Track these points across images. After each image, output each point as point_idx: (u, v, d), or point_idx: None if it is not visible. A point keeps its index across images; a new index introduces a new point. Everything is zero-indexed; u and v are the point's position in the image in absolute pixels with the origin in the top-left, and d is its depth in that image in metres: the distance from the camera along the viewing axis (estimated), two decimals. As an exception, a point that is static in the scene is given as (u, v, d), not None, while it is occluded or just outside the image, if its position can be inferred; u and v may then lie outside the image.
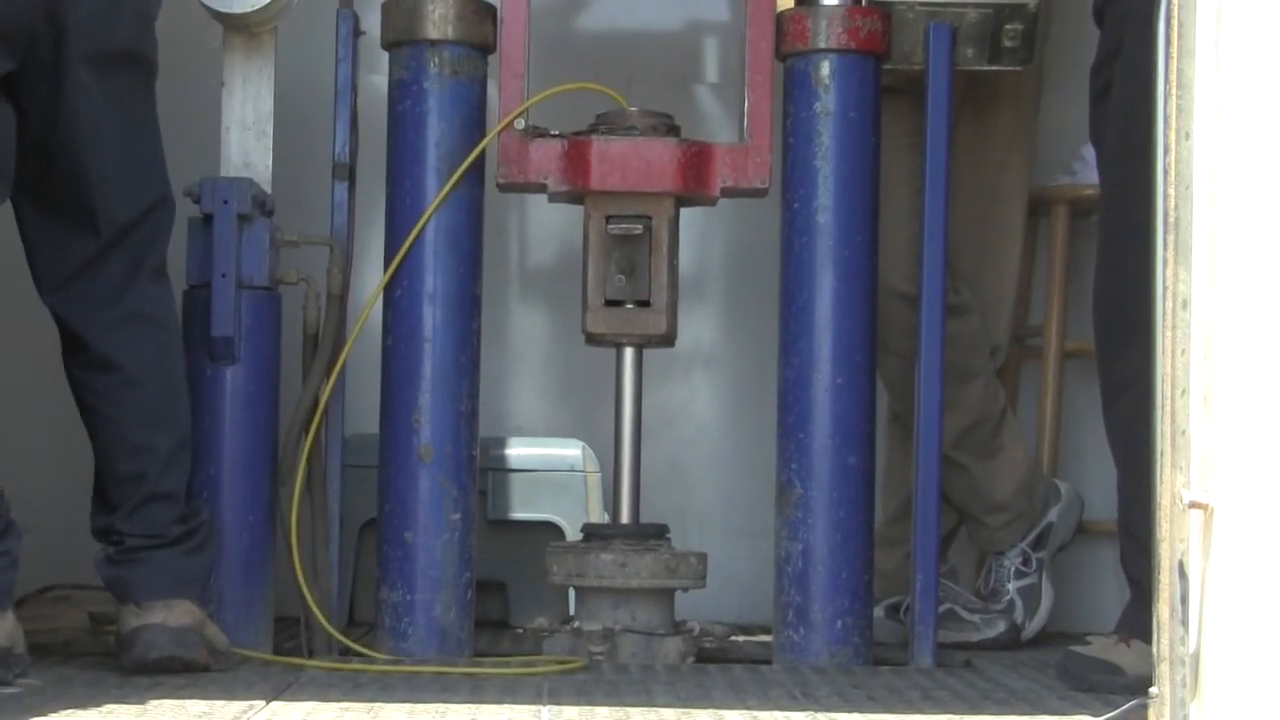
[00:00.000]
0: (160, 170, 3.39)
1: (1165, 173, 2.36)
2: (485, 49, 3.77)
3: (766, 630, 3.96)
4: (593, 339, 3.80)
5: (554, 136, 3.76)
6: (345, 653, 3.61)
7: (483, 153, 3.73)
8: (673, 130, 3.79)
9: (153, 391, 3.34)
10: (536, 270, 4.78)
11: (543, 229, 4.65)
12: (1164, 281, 2.36)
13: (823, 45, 3.74)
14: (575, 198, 3.81)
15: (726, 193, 3.80)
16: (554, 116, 3.83)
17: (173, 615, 3.25)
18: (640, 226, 3.74)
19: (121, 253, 3.32)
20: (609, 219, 3.75)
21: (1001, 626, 4.16)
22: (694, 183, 3.75)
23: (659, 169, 3.74)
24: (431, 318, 3.69)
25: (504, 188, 3.81)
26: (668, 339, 3.79)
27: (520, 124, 3.74)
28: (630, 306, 3.77)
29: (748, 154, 3.78)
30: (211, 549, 3.43)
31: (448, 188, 3.68)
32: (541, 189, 3.79)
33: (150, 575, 3.28)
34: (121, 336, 3.32)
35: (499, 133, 3.75)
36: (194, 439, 3.44)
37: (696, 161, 3.76)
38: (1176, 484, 2.33)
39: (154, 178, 3.38)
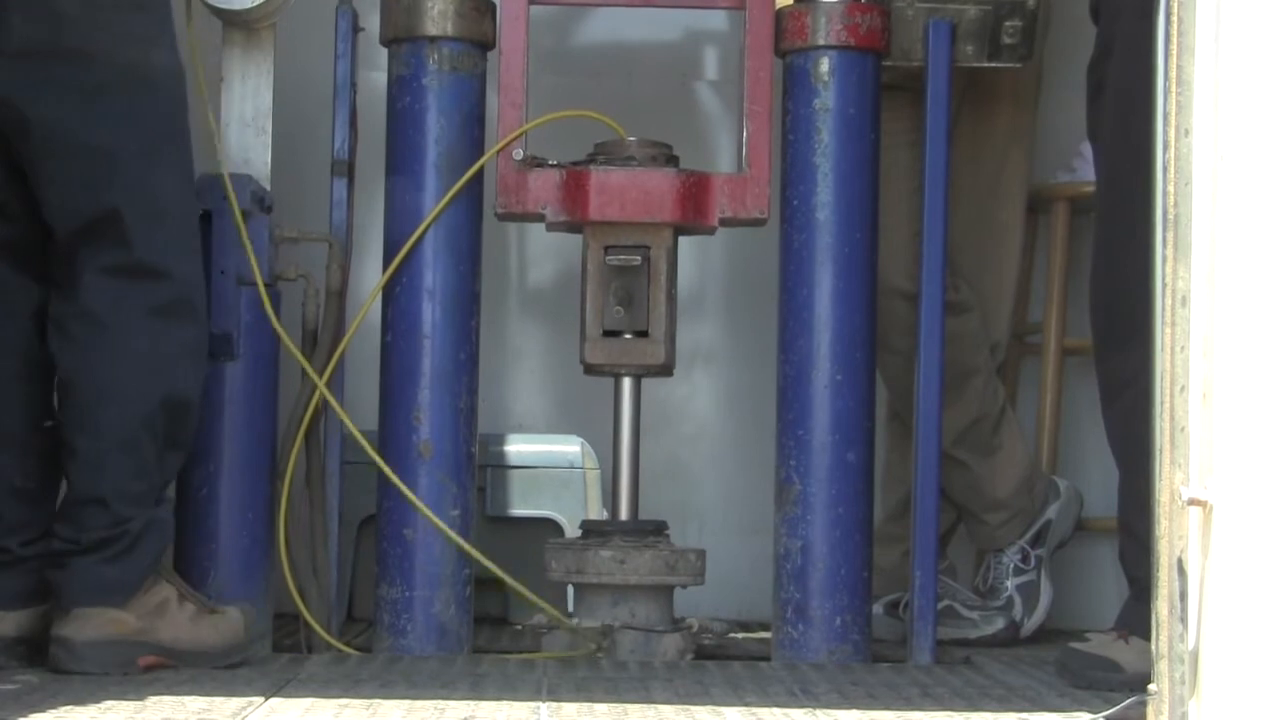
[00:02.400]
0: (120, 176, 3.22)
1: (1165, 169, 2.36)
2: (485, 45, 3.77)
3: (765, 627, 3.96)
4: (591, 369, 3.81)
5: (552, 166, 3.77)
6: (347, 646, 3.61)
7: (481, 150, 3.74)
8: (671, 160, 3.80)
9: (80, 394, 3.25)
10: (536, 268, 4.77)
11: (543, 228, 4.65)
12: (1163, 278, 2.36)
13: (822, 42, 3.74)
14: (574, 228, 3.81)
15: (725, 223, 3.80)
16: (554, 136, 3.84)
17: (89, 627, 3.17)
18: (639, 258, 3.74)
19: (73, 256, 3.23)
20: (607, 249, 3.75)
21: (1000, 623, 4.17)
22: (692, 213, 3.75)
23: (657, 199, 3.74)
24: (431, 314, 3.69)
25: (502, 217, 3.82)
26: (666, 369, 3.80)
27: (519, 154, 3.74)
28: (628, 337, 3.77)
29: (746, 184, 3.78)
30: (147, 551, 3.25)
31: (443, 204, 3.68)
32: (540, 219, 3.79)
33: (68, 582, 3.21)
34: (63, 337, 3.25)
35: (495, 154, 3.74)
36: (164, 441, 3.29)
37: (695, 192, 3.76)
38: (1175, 481, 2.33)
39: (103, 185, 3.22)
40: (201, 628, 3.30)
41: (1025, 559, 4.21)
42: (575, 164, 3.77)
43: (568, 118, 3.88)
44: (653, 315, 3.76)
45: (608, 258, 3.75)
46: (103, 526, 3.22)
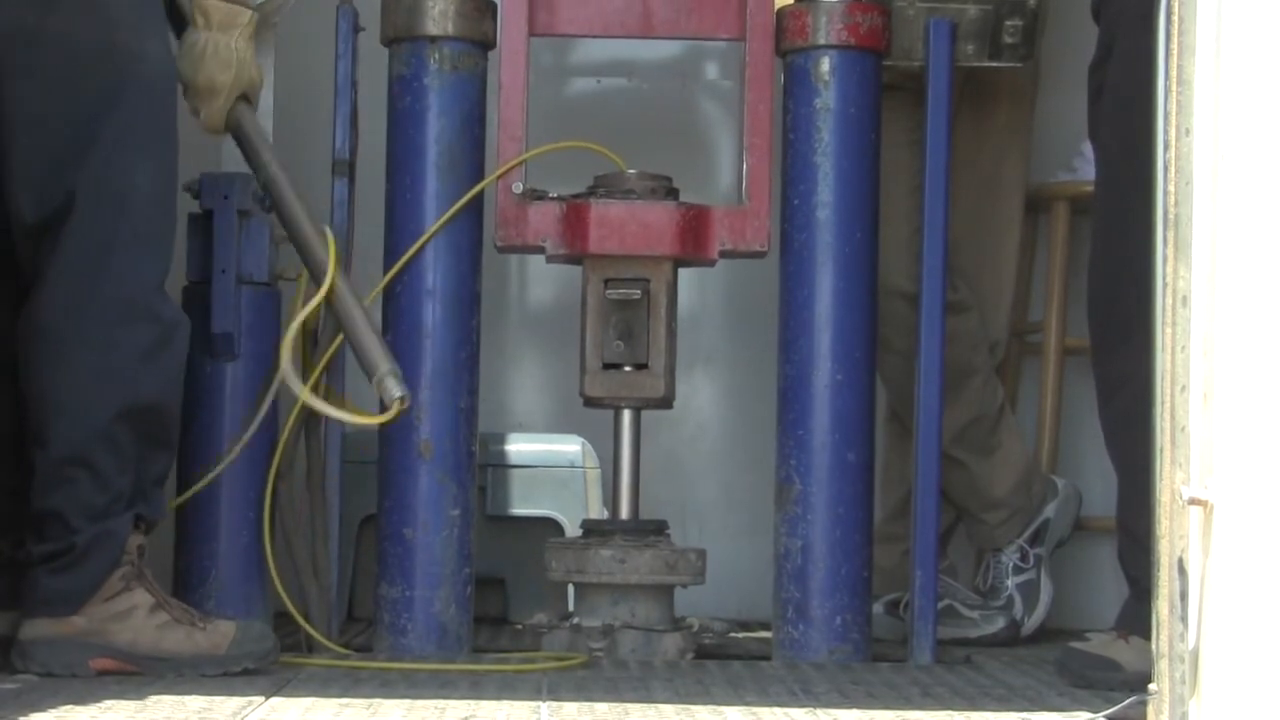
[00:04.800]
0: (88, 160, 3.15)
1: (1165, 169, 2.36)
2: (485, 45, 3.77)
3: (766, 626, 3.96)
4: (590, 402, 3.81)
5: (552, 199, 3.76)
6: (347, 646, 3.61)
7: (482, 150, 3.74)
8: (671, 193, 3.79)
9: (31, 406, 3.19)
10: (536, 267, 4.77)
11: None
12: (1164, 278, 2.36)
13: (823, 41, 3.74)
14: (574, 260, 3.82)
15: (725, 255, 3.80)
16: (554, 154, 3.84)
17: (34, 628, 3.15)
18: (639, 291, 3.74)
19: (31, 253, 3.18)
20: (607, 282, 3.75)
21: (1000, 623, 4.17)
22: (692, 246, 3.75)
23: (657, 232, 3.73)
24: (431, 314, 3.69)
25: (502, 249, 3.82)
26: (665, 402, 3.80)
27: (518, 188, 3.75)
28: (628, 370, 3.77)
29: (746, 217, 3.77)
30: (97, 563, 3.17)
31: (441, 222, 3.67)
32: (540, 251, 3.79)
33: (24, 590, 3.18)
34: (17, 346, 3.20)
35: (494, 180, 3.73)
36: (144, 444, 3.23)
37: (695, 224, 3.75)
38: (1176, 480, 2.33)
39: (68, 168, 3.15)
40: (170, 635, 3.18)
41: (1024, 558, 4.21)
42: (575, 196, 3.77)
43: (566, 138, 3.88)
44: (653, 348, 3.75)
45: (607, 291, 3.75)
46: (52, 539, 3.16)
